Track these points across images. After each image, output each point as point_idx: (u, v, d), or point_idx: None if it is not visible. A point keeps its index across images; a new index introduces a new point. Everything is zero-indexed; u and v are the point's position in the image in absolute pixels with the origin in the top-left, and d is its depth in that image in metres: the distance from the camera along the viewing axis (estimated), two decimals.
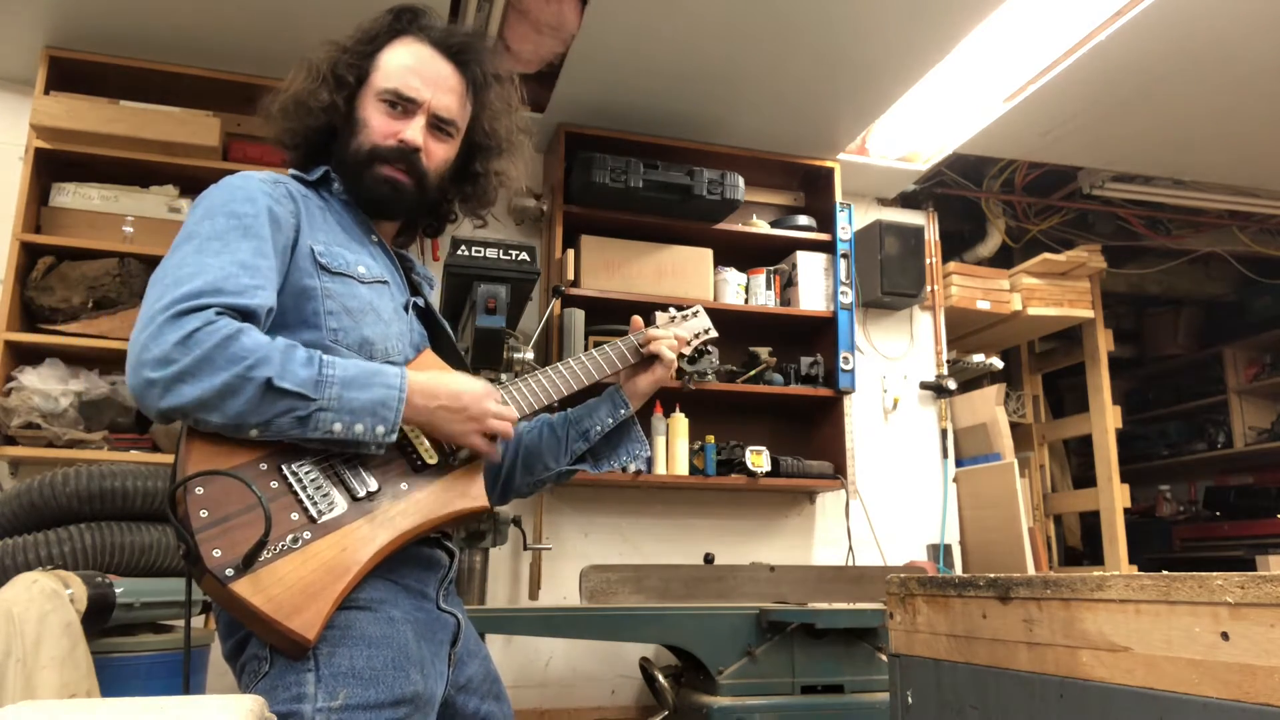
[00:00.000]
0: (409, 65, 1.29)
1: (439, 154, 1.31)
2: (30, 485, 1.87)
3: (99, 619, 1.71)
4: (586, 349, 3.08)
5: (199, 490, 1.02)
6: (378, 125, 1.27)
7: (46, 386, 2.62)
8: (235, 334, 1.04)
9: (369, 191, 1.29)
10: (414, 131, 1.27)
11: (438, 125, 1.30)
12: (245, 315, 1.07)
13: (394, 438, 1.11)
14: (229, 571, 0.99)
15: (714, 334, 1.60)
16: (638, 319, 1.49)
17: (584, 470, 1.44)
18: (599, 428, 1.42)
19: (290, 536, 1.05)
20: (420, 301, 1.37)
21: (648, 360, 1.44)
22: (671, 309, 1.58)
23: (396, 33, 1.32)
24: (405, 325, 1.29)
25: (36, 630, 1.56)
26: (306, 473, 1.09)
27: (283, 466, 1.09)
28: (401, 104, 1.28)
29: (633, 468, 3.09)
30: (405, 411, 1.12)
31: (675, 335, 1.46)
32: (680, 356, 1.49)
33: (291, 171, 1.32)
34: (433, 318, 1.40)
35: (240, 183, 1.19)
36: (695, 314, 1.60)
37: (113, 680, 1.74)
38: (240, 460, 1.06)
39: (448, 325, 1.44)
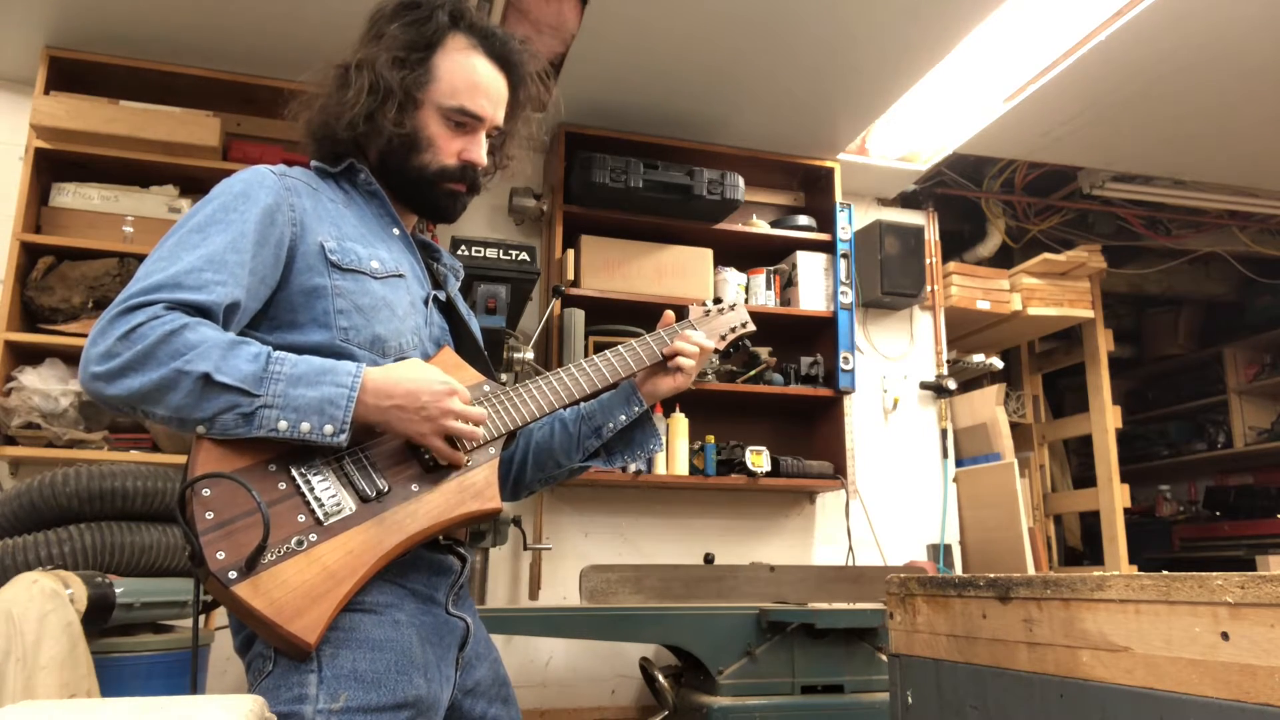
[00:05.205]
0: (477, 83, 1.28)
1: (485, 161, 1.33)
2: (30, 485, 1.87)
3: (99, 619, 1.71)
4: (586, 349, 3.11)
5: (205, 492, 1.02)
6: (443, 144, 1.27)
7: (46, 386, 2.62)
8: (179, 329, 1.03)
9: (435, 204, 1.31)
10: (480, 152, 1.29)
11: (487, 134, 1.32)
12: (200, 311, 1.06)
13: (344, 438, 1.07)
14: (232, 574, 1.00)
15: (751, 328, 1.56)
16: (670, 314, 1.45)
17: (597, 465, 1.43)
18: (612, 424, 1.39)
19: (295, 539, 1.04)
20: (442, 295, 1.36)
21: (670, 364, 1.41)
22: (708, 303, 1.54)
23: (443, 30, 1.29)
24: (421, 319, 1.27)
25: (36, 630, 1.56)
26: (316, 473, 1.09)
27: (292, 467, 1.08)
28: (468, 121, 1.28)
29: (632, 468, 3.09)
30: (357, 410, 1.08)
31: (702, 346, 1.42)
32: (714, 352, 1.48)
33: (314, 164, 1.31)
34: (455, 312, 1.38)
35: (248, 174, 1.19)
36: (733, 307, 1.55)
37: (113, 680, 1.74)
38: (249, 461, 1.06)
39: (473, 319, 1.43)
